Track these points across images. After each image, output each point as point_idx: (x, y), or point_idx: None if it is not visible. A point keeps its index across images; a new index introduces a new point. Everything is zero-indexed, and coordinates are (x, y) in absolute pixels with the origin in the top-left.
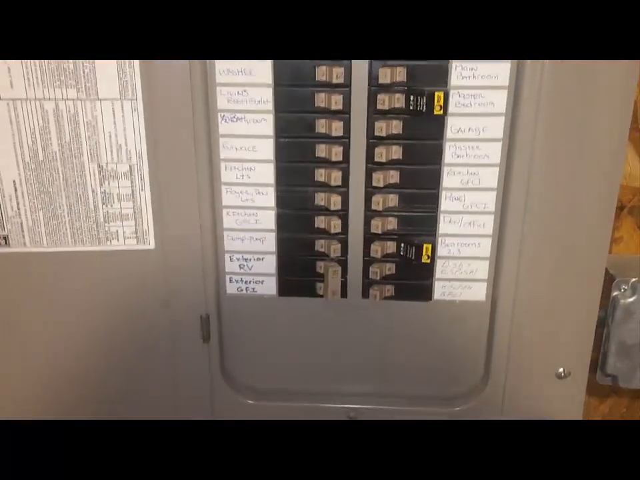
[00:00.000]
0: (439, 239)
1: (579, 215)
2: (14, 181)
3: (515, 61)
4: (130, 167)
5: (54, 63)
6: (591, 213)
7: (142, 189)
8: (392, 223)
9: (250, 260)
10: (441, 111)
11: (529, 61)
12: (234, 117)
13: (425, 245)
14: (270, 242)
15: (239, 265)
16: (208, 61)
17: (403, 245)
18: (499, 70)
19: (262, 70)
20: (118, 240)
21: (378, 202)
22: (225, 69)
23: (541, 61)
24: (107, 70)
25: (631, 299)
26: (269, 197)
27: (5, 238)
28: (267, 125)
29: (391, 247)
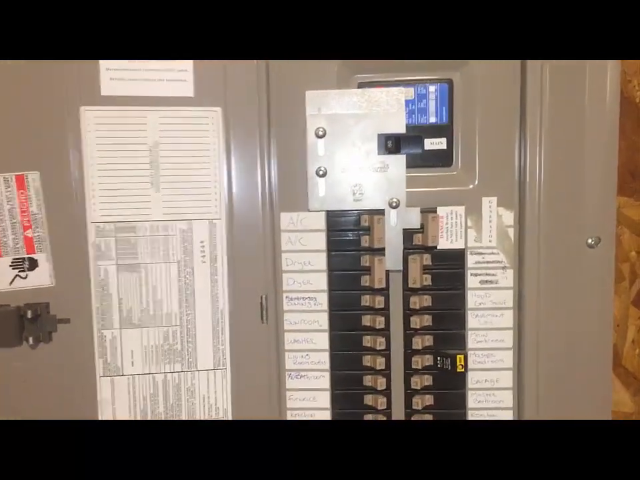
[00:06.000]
0: None
1: None
2: None
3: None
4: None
5: (166, 345)
6: None
7: None
8: None
9: None
10: (463, 369)
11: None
12: (298, 375)
13: None
14: None
15: None
16: (279, 330)
17: None
18: (505, 335)
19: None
20: None
21: None
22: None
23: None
24: (205, 348)
25: None
26: None
27: None
28: (324, 380)
29: None
